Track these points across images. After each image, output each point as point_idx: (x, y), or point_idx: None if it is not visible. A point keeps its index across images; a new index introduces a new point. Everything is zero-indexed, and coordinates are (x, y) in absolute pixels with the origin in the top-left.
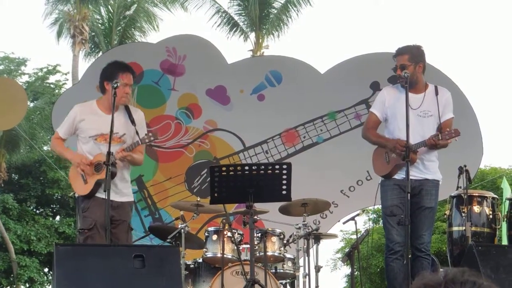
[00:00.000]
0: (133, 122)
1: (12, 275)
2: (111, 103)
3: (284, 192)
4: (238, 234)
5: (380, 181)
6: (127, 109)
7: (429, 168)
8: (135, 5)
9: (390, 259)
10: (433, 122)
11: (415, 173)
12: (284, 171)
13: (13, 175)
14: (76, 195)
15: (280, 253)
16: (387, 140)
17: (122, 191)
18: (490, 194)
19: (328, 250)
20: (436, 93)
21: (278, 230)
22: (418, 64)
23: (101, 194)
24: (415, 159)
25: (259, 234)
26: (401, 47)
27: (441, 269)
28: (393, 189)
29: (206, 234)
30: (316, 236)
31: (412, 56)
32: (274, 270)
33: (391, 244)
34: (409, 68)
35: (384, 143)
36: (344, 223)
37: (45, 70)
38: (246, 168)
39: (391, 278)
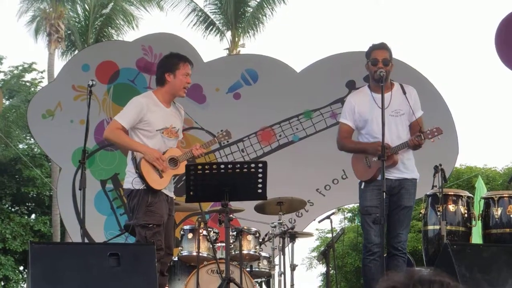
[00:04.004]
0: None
1: None
2: (170, 95)
3: (259, 190)
4: (214, 232)
5: (361, 184)
6: (173, 104)
7: (408, 167)
8: (112, 4)
9: (368, 260)
10: (406, 120)
11: (395, 173)
12: (260, 170)
13: None
14: (134, 187)
15: (255, 252)
16: (366, 145)
17: (171, 187)
18: (465, 193)
19: (303, 249)
20: (404, 92)
21: (253, 229)
22: (392, 63)
23: (164, 190)
24: (397, 160)
25: (235, 233)
26: (382, 42)
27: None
28: (373, 190)
29: (182, 232)
30: (292, 235)
31: (390, 54)
32: (249, 269)
33: (369, 245)
34: (390, 65)
35: (364, 148)
36: (319, 221)
37: (20, 68)
38: (222, 166)
39: (369, 279)
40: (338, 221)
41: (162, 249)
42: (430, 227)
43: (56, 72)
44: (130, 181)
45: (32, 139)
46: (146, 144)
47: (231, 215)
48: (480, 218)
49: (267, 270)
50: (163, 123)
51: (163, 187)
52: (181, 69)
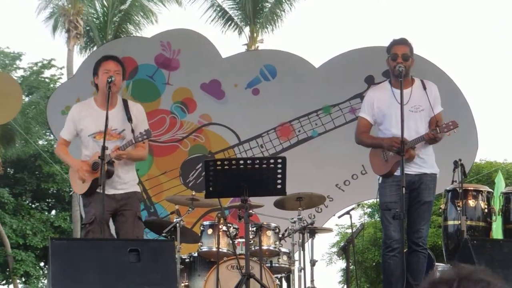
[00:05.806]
0: (130, 119)
1: (8, 270)
2: (103, 97)
3: (279, 186)
4: (233, 228)
5: (379, 179)
6: (125, 104)
7: (427, 162)
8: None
9: (387, 256)
10: (425, 116)
11: (414, 168)
12: (279, 165)
13: (8, 169)
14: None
15: (275, 247)
16: (382, 139)
17: (126, 181)
18: (485, 188)
19: (323, 244)
20: (424, 88)
21: (273, 224)
22: (412, 58)
23: (100, 190)
24: (414, 155)
25: (254, 228)
26: (402, 38)
27: (436, 264)
28: (392, 185)
29: (201, 228)
30: (311, 230)
31: (411, 49)
32: (269, 264)
33: (388, 241)
34: (410, 60)
35: (380, 143)
36: (339, 217)
37: (40, 64)
38: (241, 162)
39: (388, 274)
40: (358, 217)
41: None
42: (450, 223)
43: (75, 68)
44: None
45: (51, 135)
46: (84, 153)
47: (250, 211)
48: (500, 213)
49: (287, 266)
50: (95, 127)
51: (83, 192)
52: (101, 67)
